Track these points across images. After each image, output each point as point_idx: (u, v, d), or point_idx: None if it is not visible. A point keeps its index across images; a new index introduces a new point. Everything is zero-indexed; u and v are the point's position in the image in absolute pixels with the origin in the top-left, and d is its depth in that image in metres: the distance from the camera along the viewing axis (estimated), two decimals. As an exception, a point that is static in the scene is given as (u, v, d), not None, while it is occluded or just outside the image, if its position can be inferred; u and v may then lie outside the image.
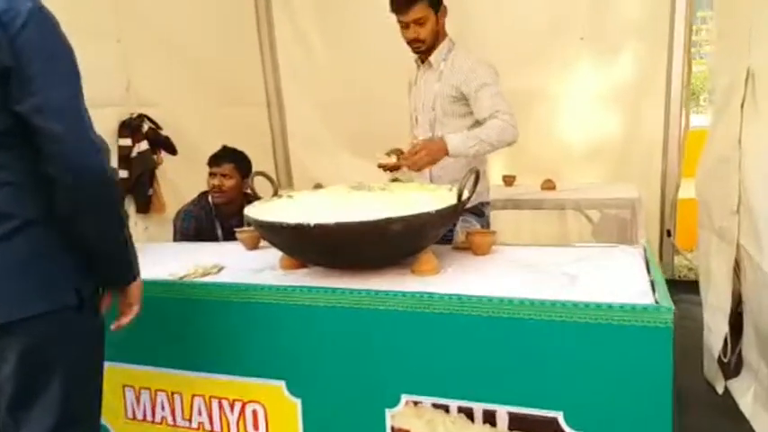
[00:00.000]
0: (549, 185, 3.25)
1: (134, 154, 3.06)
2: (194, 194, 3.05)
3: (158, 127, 3.18)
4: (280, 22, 4.19)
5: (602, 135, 3.70)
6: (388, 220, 1.45)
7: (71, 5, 2.89)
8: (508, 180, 3.44)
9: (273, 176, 4.68)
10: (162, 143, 3.16)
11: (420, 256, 1.62)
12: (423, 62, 2.24)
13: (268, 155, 4.36)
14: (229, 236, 2.72)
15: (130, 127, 3.06)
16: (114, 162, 3.05)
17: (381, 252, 1.56)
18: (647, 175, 3.59)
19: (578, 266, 1.61)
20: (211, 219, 2.70)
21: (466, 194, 1.62)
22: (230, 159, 2.73)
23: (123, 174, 3.05)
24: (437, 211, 1.51)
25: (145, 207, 3.14)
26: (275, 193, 1.96)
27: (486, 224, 2.24)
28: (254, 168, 4.15)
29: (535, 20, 3.63)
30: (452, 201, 1.61)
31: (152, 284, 1.55)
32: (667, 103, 3.52)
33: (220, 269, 1.87)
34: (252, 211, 1.73)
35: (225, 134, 3.75)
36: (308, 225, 1.44)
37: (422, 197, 1.80)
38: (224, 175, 2.67)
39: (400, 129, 4.00)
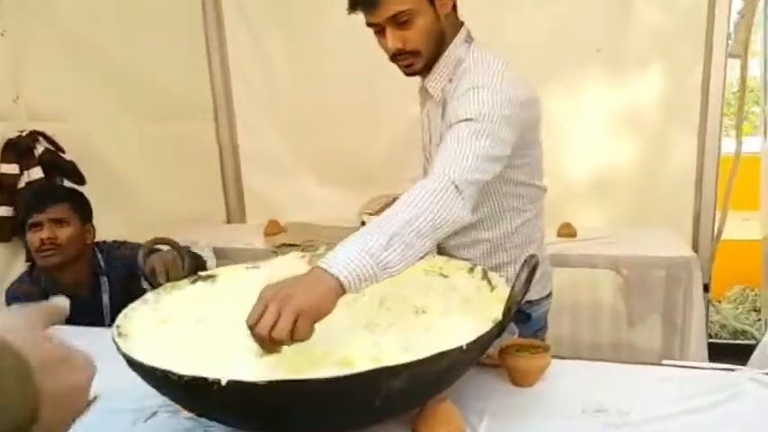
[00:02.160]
0: (568, 232, 2.58)
1: (22, 184, 2.28)
2: (111, 237, 2.30)
3: (59, 149, 2.39)
4: (230, 19, 3.43)
5: (620, 166, 3.05)
6: (380, 374, 0.73)
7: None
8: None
9: (222, 206, 3.92)
10: (63, 170, 2.38)
11: (433, 407, 0.90)
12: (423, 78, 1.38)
13: (215, 180, 3.58)
14: (79, 317, 1.96)
15: (18, 148, 2.28)
16: (-6, 194, 2.27)
17: (365, 418, 0.84)
18: (675, 214, 2.95)
19: (705, 423, 0.92)
20: (47, 297, 1.92)
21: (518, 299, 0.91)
22: (62, 197, 1.97)
23: (6, 211, 2.26)
24: (470, 346, 0.80)
25: (38, 255, 2.35)
26: (190, 273, 1.21)
27: (535, 332, 1.45)
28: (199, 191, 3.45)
29: (539, 27, 2.97)
30: (485, 299, 0.91)
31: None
32: (702, 126, 2.89)
33: (90, 402, 1.11)
34: (137, 313, 0.99)
35: (157, 156, 2.99)
36: (218, 382, 0.72)
37: (431, 284, 1.10)
38: (56, 222, 1.90)
39: (377, 153, 3.33)
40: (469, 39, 1.34)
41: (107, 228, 2.27)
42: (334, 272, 0.86)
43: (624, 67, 2.93)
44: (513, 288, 0.89)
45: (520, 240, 1.34)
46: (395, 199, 1.32)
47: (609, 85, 3.00)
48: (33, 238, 1.89)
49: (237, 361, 0.81)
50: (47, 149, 2.35)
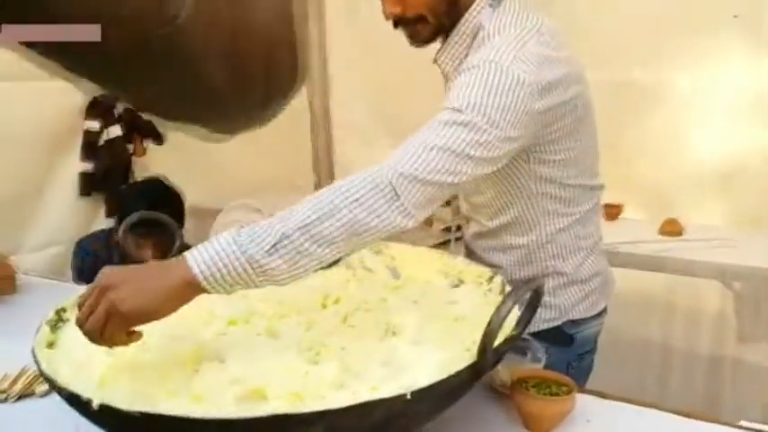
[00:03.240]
0: (672, 229, 2.21)
1: (102, 141, 2.34)
2: (188, 195, 2.31)
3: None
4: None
5: (752, 155, 2.58)
6: (285, 422, 0.58)
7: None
8: (612, 211, 2.41)
9: (311, 172, 3.88)
10: (142, 128, 2.42)
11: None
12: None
13: (305, 144, 3.53)
14: None
15: (101, 106, 2.34)
16: (78, 150, 2.36)
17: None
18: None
19: None
20: (118, 260, 1.90)
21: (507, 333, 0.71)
22: (168, 230, 1.91)
23: (87, 166, 2.34)
24: (418, 396, 0.61)
25: (116, 210, 2.43)
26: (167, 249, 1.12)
27: (579, 355, 1.16)
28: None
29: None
30: (485, 320, 0.72)
31: None
32: None
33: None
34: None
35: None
36: (90, 403, 0.60)
37: (428, 291, 0.92)
38: (158, 246, 1.80)
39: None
40: (496, 1, 1.02)
41: (191, 192, 2.27)
42: (193, 268, 0.73)
43: (766, 38, 2.45)
44: (490, 323, 0.68)
45: (558, 250, 1.09)
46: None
47: (746, 59, 2.53)
48: (133, 250, 1.76)
49: (159, 371, 0.69)
50: (126, 108, 2.39)
